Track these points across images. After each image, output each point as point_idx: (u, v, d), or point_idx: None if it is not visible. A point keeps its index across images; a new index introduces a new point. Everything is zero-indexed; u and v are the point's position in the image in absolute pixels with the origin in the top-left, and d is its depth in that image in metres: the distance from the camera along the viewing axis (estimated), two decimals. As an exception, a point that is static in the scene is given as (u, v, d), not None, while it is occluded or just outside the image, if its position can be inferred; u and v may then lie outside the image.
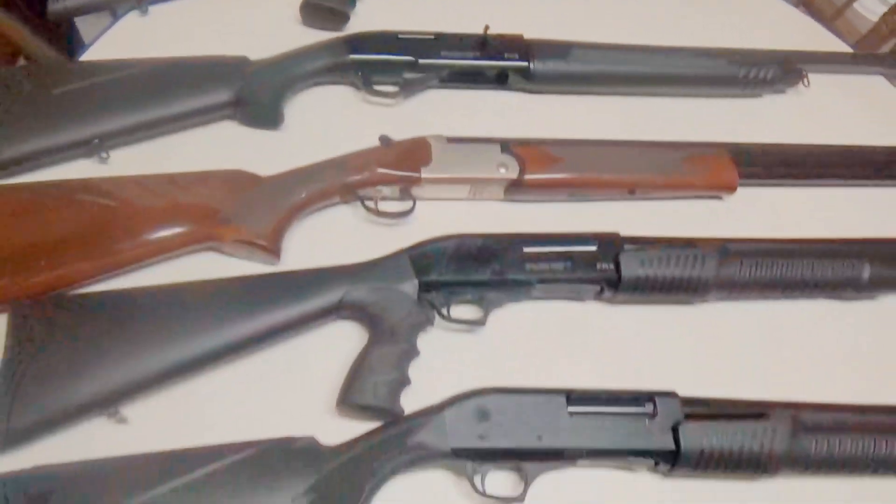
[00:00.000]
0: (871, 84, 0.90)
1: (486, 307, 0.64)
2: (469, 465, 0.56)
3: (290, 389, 0.61)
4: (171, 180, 0.66)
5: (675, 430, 0.57)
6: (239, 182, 0.66)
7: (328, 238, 0.69)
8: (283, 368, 0.62)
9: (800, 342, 0.68)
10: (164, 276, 0.63)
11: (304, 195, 0.66)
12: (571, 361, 0.64)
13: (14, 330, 0.56)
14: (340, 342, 0.62)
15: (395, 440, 0.55)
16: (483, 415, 0.57)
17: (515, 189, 0.71)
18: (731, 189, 0.74)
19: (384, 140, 0.70)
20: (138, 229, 0.62)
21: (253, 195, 0.65)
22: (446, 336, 0.65)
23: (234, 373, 0.61)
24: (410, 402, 0.59)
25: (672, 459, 0.57)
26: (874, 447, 0.59)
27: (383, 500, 0.55)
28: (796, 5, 1.01)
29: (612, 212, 0.73)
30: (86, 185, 0.64)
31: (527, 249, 0.65)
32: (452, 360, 0.63)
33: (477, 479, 0.56)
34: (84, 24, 1.06)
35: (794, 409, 0.59)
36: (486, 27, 0.77)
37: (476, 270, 0.63)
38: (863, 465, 0.59)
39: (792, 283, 0.67)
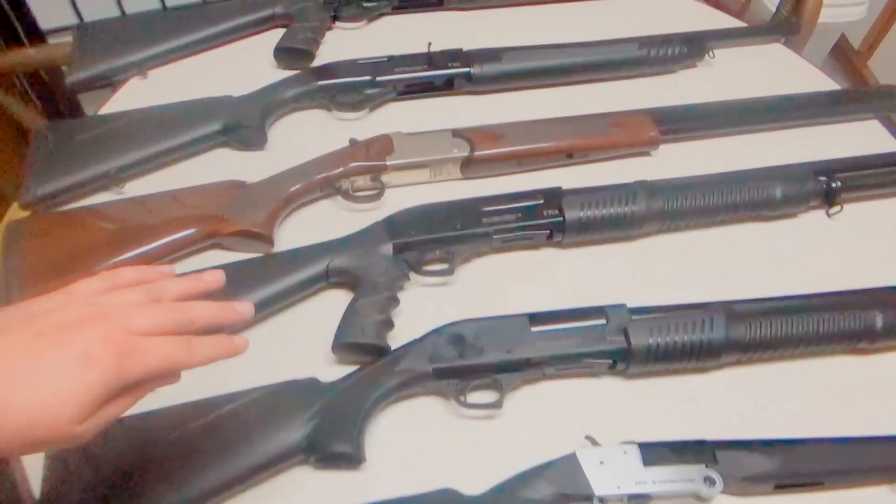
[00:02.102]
0: (771, 51, 1.04)
1: (453, 260, 0.74)
2: (450, 383, 0.65)
3: (292, 349, 0.70)
4: (176, 194, 0.78)
5: (625, 331, 0.66)
6: (231, 188, 0.79)
7: (313, 229, 0.79)
8: (284, 333, 0.71)
9: (730, 262, 0.78)
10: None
11: (290, 190, 0.78)
12: (532, 300, 0.73)
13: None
14: (332, 308, 0.72)
15: (385, 368, 0.65)
16: (458, 339, 0.66)
17: (469, 166, 0.83)
18: (655, 144, 0.86)
19: (353, 141, 0.83)
20: (155, 234, 0.74)
21: (245, 195, 0.77)
22: (423, 290, 0.75)
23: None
24: (395, 344, 0.68)
25: (626, 357, 0.66)
26: (802, 325, 0.67)
27: (384, 428, 0.64)
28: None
29: (556, 178, 0.84)
30: (110, 205, 0.78)
31: (483, 207, 0.76)
32: (429, 309, 0.73)
33: (460, 397, 0.65)
34: (87, 103, 1.23)
35: (726, 303, 0.68)
36: (430, 44, 0.91)
37: (441, 228, 0.74)
38: (795, 343, 0.67)
39: (715, 208, 0.78)
